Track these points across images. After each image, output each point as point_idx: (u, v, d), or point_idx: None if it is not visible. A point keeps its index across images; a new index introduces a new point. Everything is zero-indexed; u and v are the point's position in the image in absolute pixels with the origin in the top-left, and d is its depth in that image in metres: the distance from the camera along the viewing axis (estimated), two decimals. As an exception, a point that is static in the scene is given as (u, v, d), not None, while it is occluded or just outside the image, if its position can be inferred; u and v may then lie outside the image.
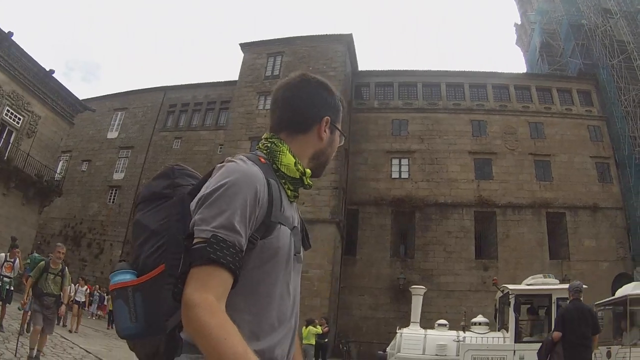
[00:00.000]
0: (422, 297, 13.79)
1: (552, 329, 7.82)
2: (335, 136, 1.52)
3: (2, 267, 10.85)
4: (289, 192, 1.39)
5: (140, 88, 37.85)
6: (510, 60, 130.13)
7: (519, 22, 44.02)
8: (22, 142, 23.23)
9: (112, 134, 37.02)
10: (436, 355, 12.17)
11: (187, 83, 36.03)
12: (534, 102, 29.89)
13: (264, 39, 30.33)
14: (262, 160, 1.35)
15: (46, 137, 25.11)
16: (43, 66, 23.82)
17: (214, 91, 34.25)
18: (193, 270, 1.13)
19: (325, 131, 1.46)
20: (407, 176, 27.87)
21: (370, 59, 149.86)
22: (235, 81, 30.42)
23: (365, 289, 26.13)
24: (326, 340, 16.80)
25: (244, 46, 30.38)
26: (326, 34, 29.13)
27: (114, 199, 34.69)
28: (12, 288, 11.04)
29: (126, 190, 34.32)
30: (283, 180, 1.37)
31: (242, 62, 30.17)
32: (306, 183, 1.42)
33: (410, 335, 12.43)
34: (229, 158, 1.30)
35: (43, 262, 8.13)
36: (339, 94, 1.56)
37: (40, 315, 7.82)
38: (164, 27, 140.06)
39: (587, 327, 6.52)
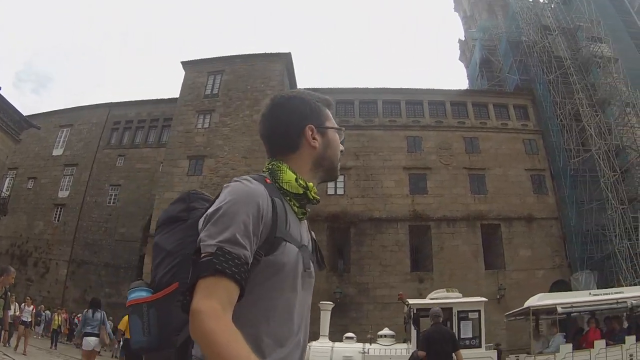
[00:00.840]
0: (329, 312, 14.78)
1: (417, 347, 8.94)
2: (329, 135, 1.57)
3: None
4: (295, 208, 1.45)
5: (85, 104, 38.19)
6: (454, 75, 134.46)
7: (463, 38, 45.77)
8: None
9: (58, 151, 37.11)
10: (344, 366, 13.19)
11: (131, 100, 36.61)
12: (470, 117, 31.26)
13: (205, 57, 31.15)
14: (268, 180, 1.42)
15: None
16: None
17: (156, 108, 34.83)
18: (200, 281, 1.19)
19: (314, 138, 1.53)
20: (342, 192, 28.64)
21: (311, 76, 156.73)
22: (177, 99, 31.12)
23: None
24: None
25: (186, 64, 31.09)
26: (265, 53, 30.24)
27: (59, 217, 34.84)
28: None
29: (71, 209, 34.56)
30: (288, 198, 1.43)
31: (183, 80, 30.89)
32: (311, 198, 1.48)
33: (319, 348, 13.26)
34: (235, 178, 1.39)
35: None
36: (315, 94, 1.63)
37: None
38: (114, 41, 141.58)
39: (447, 345, 7.62)
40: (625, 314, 12.51)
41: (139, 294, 1.45)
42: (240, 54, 30.59)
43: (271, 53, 30.30)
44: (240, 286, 1.22)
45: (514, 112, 32.15)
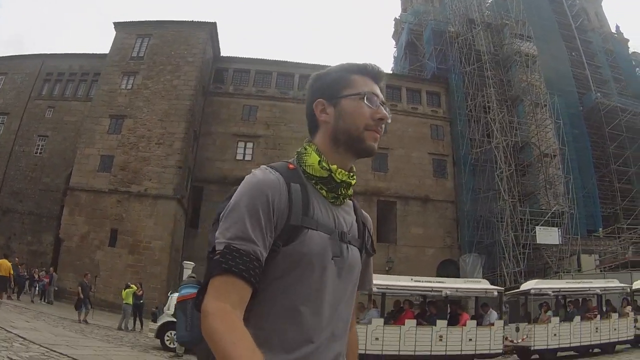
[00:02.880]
0: (191, 270, 17.84)
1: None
2: (343, 104, 1.47)
3: None
4: (323, 192, 1.44)
5: (21, 54, 40.04)
6: (383, 54, 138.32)
7: (398, 18, 48.80)
8: None
9: None
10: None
11: (65, 52, 38.33)
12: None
13: (137, 20, 33.38)
14: (291, 166, 1.42)
15: None
16: None
17: (88, 63, 36.45)
18: (211, 280, 1.24)
19: (326, 112, 1.49)
20: (250, 159, 31.74)
21: (243, 46, 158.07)
22: (109, 55, 33.15)
23: (205, 260, 30.46)
24: (142, 301, 20.90)
25: (117, 25, 33.27)
26: (192, 21, 32.75)
27: None
28: None
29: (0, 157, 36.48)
30: (313, 182, 1.43)
31: (113, 40, 33.08)
32: (338, 180, 1.44)
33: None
34: (252, 170, 1.39)
35: None
36: (350, 64, 1.55)
37: None
38: None
39: None
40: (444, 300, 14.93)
41: (187, 291, 1.48)
42: (170, 20, 33.03)
43: (197, 21, 32.82)
44: (250, 283, 1.23)
45: (426, 98, 35.67)
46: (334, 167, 1.44)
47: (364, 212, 1.63)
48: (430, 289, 15.08)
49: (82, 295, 18.32)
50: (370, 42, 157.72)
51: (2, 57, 40.52)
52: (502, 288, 17.61)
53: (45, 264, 29.09)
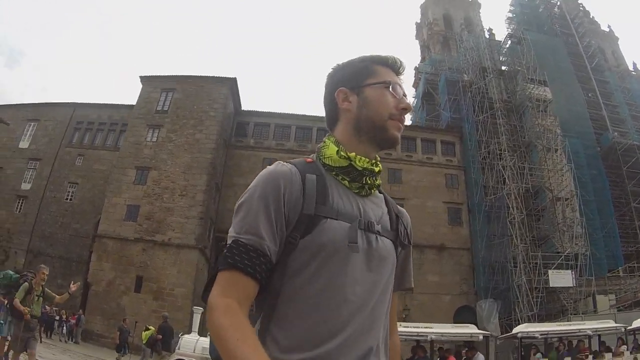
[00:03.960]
0: (200, 315, 19.10)
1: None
2: (367, 93, 1.50)
3: None
4: (345, 183, 1.44)
5: (53, 101, 42.51)
6: None
7: (417, 67, 50.45)
8: None
9: (24, 144, 41.22)
10: (202, 354, 18.24)
11: (94, 102, 41.20)
12: (397, 149, 35.76)
13: (161, 75, 35.84)
14: (309, 160, 1.47)
15: None
16: None
17: (117, 113, 39.07)
18: (218, 275, 1.27)
19: (349, 101, 1.51)
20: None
21: (262, 99, 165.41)
22: (136, 106, 35.67)
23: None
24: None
25: (143, 79, 35.86)
26: (213, 76, 35.05)
27: (20, 208, 38.88)
28: None
29: (32, 202, 38.57)
30: (334, 173, 1.45)
31: (140, 93, 35.65)
32: (359, 167, 1.44)
33: (188, 339, 17.63)
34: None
35: (27, 284, 8.09)
36: (370, 55, 1.58)
37: (33, 340, 8.22)
38: (86, 39, 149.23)
39: None
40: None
41: None
42: (192, 74, 35.37)
43: (219, 77, 35.15)
44: (256, 279, 1.25)
45: (441, 148, 37.05)
46: (353, 154, 1.45)
47: (398, 206, 1.61)
48: (417, 334, 16.39)
49: (119, 340, 20.20)
50: None
51: (35, 103, 43.46)
52: (489, 333, 18.72)
53: (74, 306, 30.92)
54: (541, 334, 16.98)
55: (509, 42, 42.79)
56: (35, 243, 37.04)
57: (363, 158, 1.46)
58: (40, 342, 13.07)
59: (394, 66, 1.56)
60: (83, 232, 36.23)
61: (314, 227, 1.33)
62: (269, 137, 36.87)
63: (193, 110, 34.13)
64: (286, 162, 1.43)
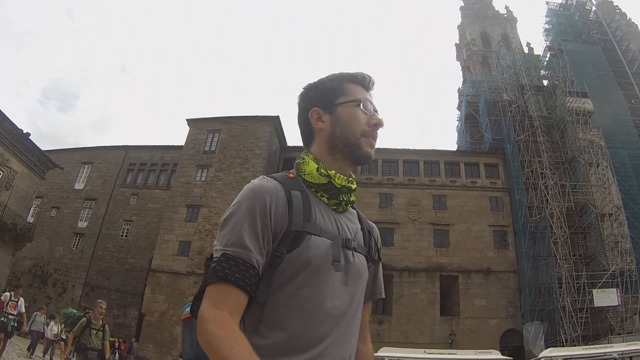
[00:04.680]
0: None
1: None
2: (339, 111, 1.59)
3: (7, 305, 12.39)
4: (325, 200, 1.53)
5: (105, 145, 45.67)
6: (450, 125, 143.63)
7: (459, 89, 50.62)
8: (1, 193, 29.26)
9: (79, 185, 44.41)
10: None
11: (145, 145, 43.77)
12: (441, 176, 36.73)
13: (207, 117, 38.16)
14: (290, 175, 1.54)
15: (21, 190, 31.33)
16: (20, 128, 30.26)
17: (168, 154, 41.68)
18: (207, 288, 1.31)
19: (322, 120, 1.60)
20: (317, 244, 34.77)
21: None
22: (186, 147, 37.95)
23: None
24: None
25: (190, 121, 38.28)
26: (257, 116, 37.06)
27: (77, 245, 41.79)
28: (15, 325, 12.62)
29: (88, 238, 41.51)
30: (314, 189, 1.52)
31: (187, 136, 38.01)
32: (338, 185, 1.53)
33: None
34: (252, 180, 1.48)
35: (85, 319, 8.81)
36: (343, 73, 1.66)
37: None
38: (139, 84, 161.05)
39: None
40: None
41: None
42: (236, 115, 37.49)
43: (262, 116, 37.12)
44: (246, 292, 1.30)
45: (484, 171, 37.37)
46: (332, 172, 1.54)
47: (369, 221, 1.73)
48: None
49: None
50: (440, 116, 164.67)
51: (88, 147, 46.83)
52: (511, 358, 19.04)
53: (129, 335, 33.28)
54: (564, 359, 17.18)
55: (548, 54, 42.78)
56: (92, 277, 39.76)
57: (341, 176, 1.56)
58: None
59: (363, 82, 1.66)
60: (138, 266, 38.62)
61: (300, 243, 1.40)
62: (315, 171, 37.92)
63: (239, 150, 36.04)
64: (270, 178, 1.48)
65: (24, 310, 12.98)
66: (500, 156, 38.25)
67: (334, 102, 1.59)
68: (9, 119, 29.42)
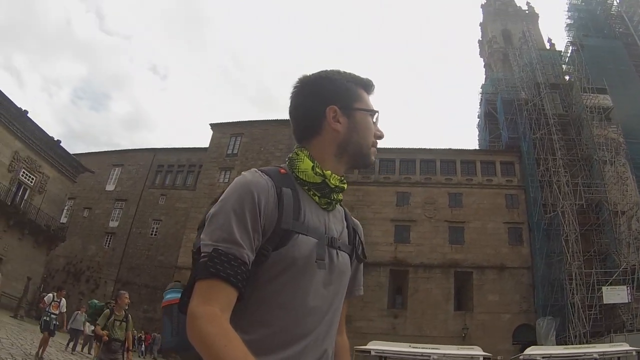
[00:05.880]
0: None
1: None
2: (357, 117, 1.58)
3: (50, 305, 13.10)
4: (316, 199, 1.51)
5: (135, 148, 48.81)
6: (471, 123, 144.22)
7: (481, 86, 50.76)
8: (35, 197, 31.69)
9: (110, 187, 47.42)
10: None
11: (173, 147, 46.61)
12: (457, 174, 38.16)
13: (229, 122, 40.54)
14: (282, 171, 1.50)
15: (53, 194, 33.85)
16: (52, 136, 32.71)
17: (194, 156, 44.23)
18: (197, 284, 1.28)
19: (338, 121, 1.55)
20: (334, 242, 36.56)
21: None
22: (211, 149, 40.33)
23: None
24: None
25: (213, 126, 40.84)
26: (276, 119, 39.16)
27: (109, 244, 44.77)
28: (57, 323, 13.36)
29: (119, 237, 44.47)
30: (306, 188, 1.50)
31: (211, 139, 40.56)
32: (331, 185, 1.51)
33: None
34: (243, 172, 1.45)
35: (108, 310, 8.77)
36: (349, 73, 1.63)
37: None
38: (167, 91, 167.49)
39: None
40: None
41: (172, 296, 1.54)
42: (257, 119, 39.86)
43: (281, 119, 38.83)
44: (237, 288, 1.28)
45: (500, 169, 38.61)
46: (328, 172, 1.52)
47: (354, 219, 1.72)
48: (421, 354, 18.44)
49: None
50: (463, 114, 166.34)
51: (118, 150, 50.28)
52: (489, 355, 20.09)
53: (159, 329, 35.64)
54: (543, 357, 18.00)
55: (570, 50, 43.29)
56: (123, 273, 42.48)
57: (336, 176, 1.54)
58: None
59: (370, 90, 1.66)
60: (167, 263, 40.89)
61: (287, 241, 1.39)
62: (334, 172, 39.91)
63: (260, 152, 38.40)
64: (261, 173, 1.44)
65: (64, 310, 13.74)
66: (516, 154, 39.24)
67: (351, 105, 1.58)
68: (40, 127, 31.98)
